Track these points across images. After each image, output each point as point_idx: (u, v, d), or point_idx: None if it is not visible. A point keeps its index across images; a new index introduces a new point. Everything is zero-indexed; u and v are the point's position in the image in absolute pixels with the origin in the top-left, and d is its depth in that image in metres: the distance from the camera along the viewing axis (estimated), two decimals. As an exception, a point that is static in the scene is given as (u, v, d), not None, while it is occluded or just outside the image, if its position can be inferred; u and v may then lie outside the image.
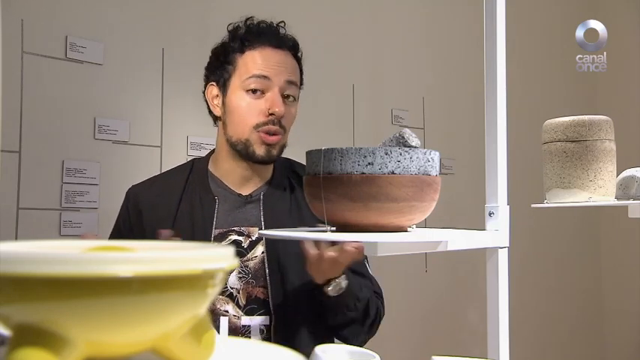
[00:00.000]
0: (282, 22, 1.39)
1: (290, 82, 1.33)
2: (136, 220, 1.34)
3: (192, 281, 0.45)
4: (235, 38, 1.36)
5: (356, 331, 1.29)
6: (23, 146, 1.85)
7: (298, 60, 1.40)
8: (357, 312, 1.26)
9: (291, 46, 1.37)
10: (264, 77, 1.30)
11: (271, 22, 1.38)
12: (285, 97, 1.33)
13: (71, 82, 1.96)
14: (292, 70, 1.35)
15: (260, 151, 1.31)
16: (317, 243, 1.13)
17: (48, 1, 1.95)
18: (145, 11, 2.14)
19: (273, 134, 1.31)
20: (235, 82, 1.33)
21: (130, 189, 1.41)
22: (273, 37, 1.35)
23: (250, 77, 1.31)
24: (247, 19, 1.38)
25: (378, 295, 1.39)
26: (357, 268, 1.37)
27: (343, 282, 1.21)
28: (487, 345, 0.92)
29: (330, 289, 1.21)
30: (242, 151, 1.33)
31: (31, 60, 1.88)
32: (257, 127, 1.30)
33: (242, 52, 1.34)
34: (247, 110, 1.31)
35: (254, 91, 1.30)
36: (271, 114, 1.29)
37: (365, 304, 1.27)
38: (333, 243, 1.11)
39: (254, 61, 1.32)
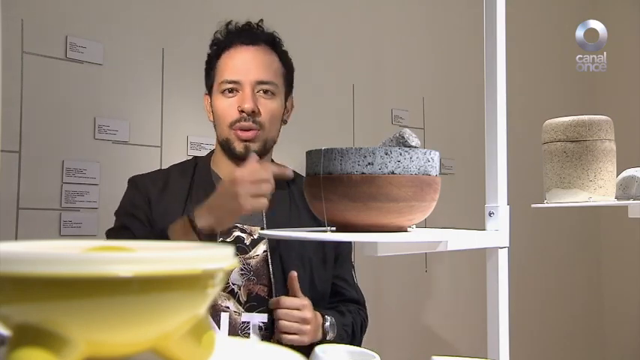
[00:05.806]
0: (261, 20, 1.43)
1: (262, 79, 1.37)
2: (147, 207, 1.36)
3: (192, 281, 0.45)
4: (213, 44, 1.42)
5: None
6: (23, 146, 1.85)
7: (280, 54, 1.42)
8: (347, 336, 1.37)
9: (265, 41, 1.40)
10: (234, 82, 1.36)
11: (248, 22, 1.42)
12: (264, 92, 1.37)
13: (71, 82, 1.95)
14: (265, 66, 1.38)
15: (239, 147, 1.36)
16: None
17: (48, 1, 1.94)
18: (145, 11, 2.14)
19: (247, 130, 1.35)
20: (215, 87, 1.39)
21: (134, 178, 1.43)
22: (245, 34, 1.39)
23: (222, 81, 1.37)
24: (227, 23, 1.42)
25: (361, 305, 1.48)
26: (343, 275, 1.46)
27: (327, 322, 1.31)
28: (487, 345, 0.92)
29: (329, 334, 1.31)
30: (227, 151, 1.38)
31: (31, 60, 1.87)
32: (231, 125, 1.36)
33: (218, 57, 1.40)
34: (223, 110, 1.37)
35: (230, 90, 1.36)
36: (241, 111, 1.35)
37: (351, 327, 1.39)
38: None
39: (226, 65, 1.38)
